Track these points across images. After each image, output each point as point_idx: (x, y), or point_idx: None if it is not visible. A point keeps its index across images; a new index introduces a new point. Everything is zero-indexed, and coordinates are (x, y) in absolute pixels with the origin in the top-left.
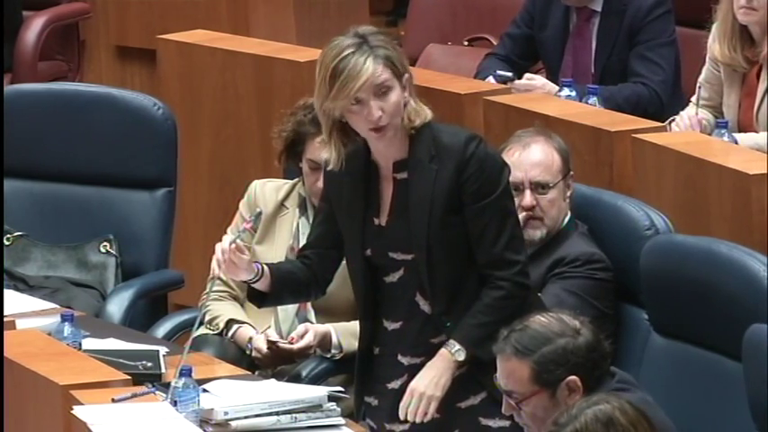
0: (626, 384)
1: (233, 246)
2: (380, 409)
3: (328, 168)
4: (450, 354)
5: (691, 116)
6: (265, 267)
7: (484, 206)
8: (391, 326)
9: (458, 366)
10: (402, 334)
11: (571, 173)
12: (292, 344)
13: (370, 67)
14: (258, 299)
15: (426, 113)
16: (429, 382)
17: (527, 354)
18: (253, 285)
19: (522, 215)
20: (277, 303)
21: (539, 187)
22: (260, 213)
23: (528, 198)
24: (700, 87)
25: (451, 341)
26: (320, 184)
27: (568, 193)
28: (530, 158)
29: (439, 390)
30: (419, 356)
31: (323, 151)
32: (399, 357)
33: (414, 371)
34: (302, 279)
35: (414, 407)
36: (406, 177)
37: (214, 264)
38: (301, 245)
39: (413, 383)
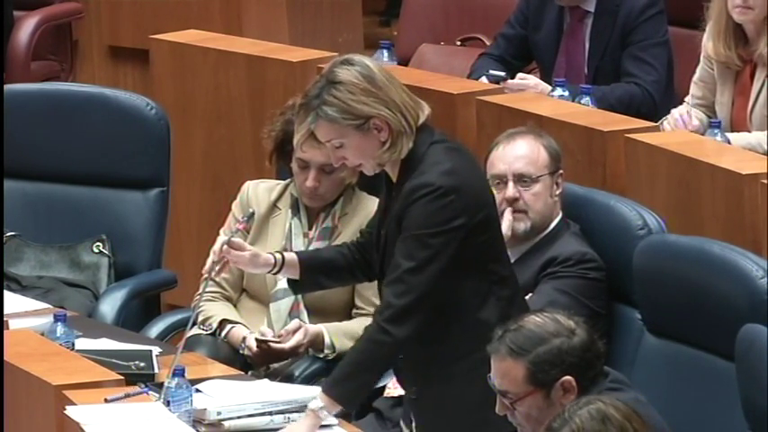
0: (619, 384)
1: (225, 247)
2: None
3: None
4: (317, 407)
5: (682, 113)
6: (287, 257)
7: (400, 239)
8: None
9: (316, 412)
10: None
11: (560, 171)
12: (281, 340)
13: (302, 129)
14: (292, 285)
15: (402, 149)
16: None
17: (522, 354)
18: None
19: (506, 209)
20: (314, 288)
21: (522, 179)
22: (253, 213)
23: (511, 190)
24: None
25: (318, 396)
26: (309, 183)
27: (557, 192)
28: (514, 151)
29: None
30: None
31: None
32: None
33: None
34: (343, 264)
35: None
36: (393, 196)
37: (207, 266)
38: (294, 246)
39: None
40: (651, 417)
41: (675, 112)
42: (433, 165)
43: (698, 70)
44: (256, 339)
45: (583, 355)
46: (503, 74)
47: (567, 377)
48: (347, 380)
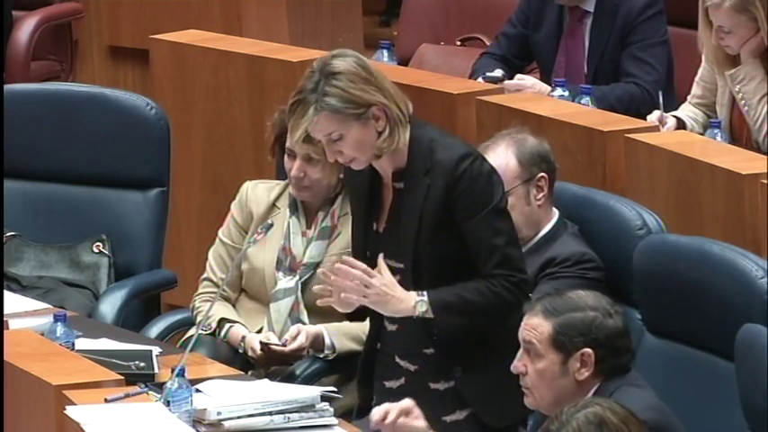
0: (640, 382)
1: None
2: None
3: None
4: (415, 298)
5: (653, 120)
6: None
7: (474, 224)
8: (389, 326)
9: (411, 311)
10: (399, 336)
11: (540, 175)
12: (285, 346)
13: (304, 124)
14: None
15: (404, 137)
16: (382, 288)
17: (554, 314)
18: None
19: None
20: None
21: None
22: (271, 225)
23: None
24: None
25: (424, 293)
26: (293, 172)
27: (540, 195)
28: None
29: (385, 294)
30: (414, 364)
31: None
32: (398, 359)
33: (411, 377)
34: None
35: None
36: (402, 187)
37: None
38: (293, 244)
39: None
40: (673, 423)
41: (650, 117)
42: (454, 142)
43: (700, 69)
44: (261, 342)
45: (611, 338)
46: (499, 75)
47: (588, 350)
48: (452, 306)
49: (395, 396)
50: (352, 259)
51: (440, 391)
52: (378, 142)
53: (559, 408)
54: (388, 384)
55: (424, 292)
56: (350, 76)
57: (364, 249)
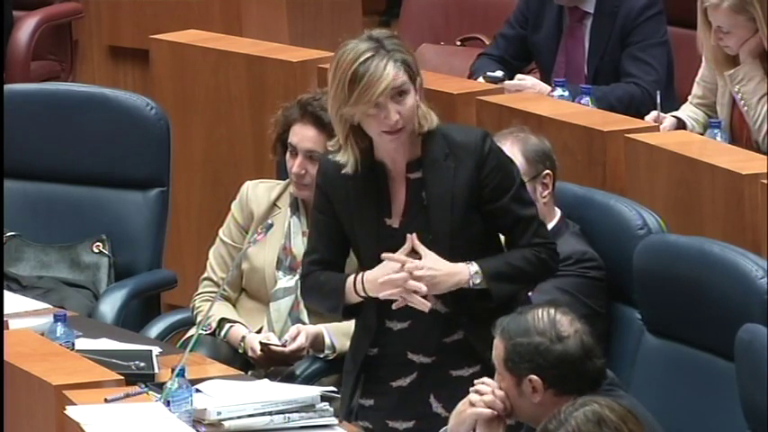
0: (618, 393)
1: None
2: (379, 408)
3: (320, 176)
4: (468, 270)
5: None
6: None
7: (508, 200)
8: (397, 326)
9: (465, 283)
10: (410, 333)
11: (546, 172)
12: (285, 347)
13: (391, 72)
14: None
15: (434, 119)
16: (429, 272)
17: (506, 336)
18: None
19: None
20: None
21: None
22: (271, 225)
23: None
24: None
25: (475, 263)
26: (294, 168)
27: (545, 193)
28: None
29: (434, 277)
30: (431, 356)
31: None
32: (410, 356)
33: (425, 370)
34: None
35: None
36: (421, 176)
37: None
38: (293, 244)
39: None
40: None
41: (647, 118)
42: (463, 126)
43: (700, 69)
44: (260, 343)
45: (557, 365)
46: (500, 75)
47: (534, 377)
48: (504, 275)
49: (407, 394)
50: (389, 255)
51: (464, 377)
52: (419, 113)
53: (530, 423)
54: (396, 384)
55: (473, 263)
56: (402, 43)
57: (377, 248)
